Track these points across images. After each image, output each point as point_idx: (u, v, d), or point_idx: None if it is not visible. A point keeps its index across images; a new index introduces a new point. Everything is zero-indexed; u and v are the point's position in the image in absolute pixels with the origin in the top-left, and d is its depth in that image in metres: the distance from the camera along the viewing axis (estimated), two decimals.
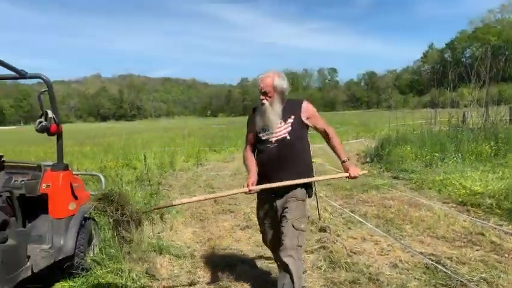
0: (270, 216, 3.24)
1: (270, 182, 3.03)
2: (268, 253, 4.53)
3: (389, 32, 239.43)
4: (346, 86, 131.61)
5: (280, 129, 3.07)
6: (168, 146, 15.51)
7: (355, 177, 3.16)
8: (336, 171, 8.92)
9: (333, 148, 3.24)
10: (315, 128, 3.22)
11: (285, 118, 3.08)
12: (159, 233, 5.17)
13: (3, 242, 3.04)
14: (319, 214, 5.73)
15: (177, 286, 3.79)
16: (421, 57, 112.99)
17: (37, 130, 3.70)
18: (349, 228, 5.35)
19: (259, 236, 5.07)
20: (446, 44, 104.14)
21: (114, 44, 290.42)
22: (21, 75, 3.58)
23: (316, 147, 5.55)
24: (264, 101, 3.05)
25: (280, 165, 3.08)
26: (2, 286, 2.93)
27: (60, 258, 3.66)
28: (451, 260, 4.09)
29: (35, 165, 3.93)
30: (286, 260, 2.91)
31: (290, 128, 3.07)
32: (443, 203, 6.52)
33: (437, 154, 9.94)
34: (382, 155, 11.30)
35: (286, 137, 3.07)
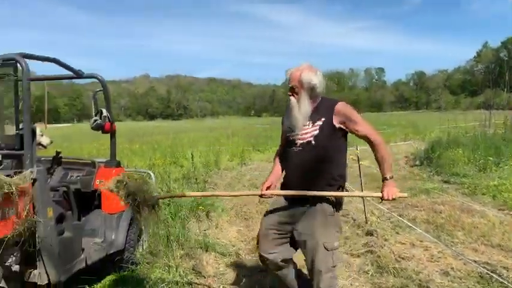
0: (281, 225, 2.83)
1: (288, 189, 2.78)
2: None
3: (439, 30, 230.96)
4: (394, 86, 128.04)
5: (306, 131, 2.72)
6: (213, 145, 15.73)
7: (388, 200, 2.70)
8: None
9: (378, 160, 2.73)
10: (356, 135, 2.74)
11: (314, 119, 2.72)
12: (205, 230, 5.26)
13: (61, 234, 3.19)
14: (365, 217, 5.61)
15: (223, 284, 3.83)
16: (474, 57, 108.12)
17: (92, 128, 3.86)
18: (397, 232, 5.20)
19: None
20: (502, 43, 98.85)
21: (162, 45, 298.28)
22: (78, 75, 3.75)
23: (361, 149, 5.42)
24: (291, 98, 2.76)
25: (302, 173, 2.74)
26: (59, 276, 3.08)
27: (112, 252, 3.80)
28: (508, 270, 3.89)
29: (90, 161, 4.10)
30: (322, 285, 2.66)
31: (317, 132, 2.70)
32: (499, 209, 6.20)
33: (491, 158, 9.47)
34: (432, 158, 10.90)
35: (311, 141, 2.71)
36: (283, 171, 2.93)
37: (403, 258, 4.27)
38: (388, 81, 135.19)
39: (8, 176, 2.74)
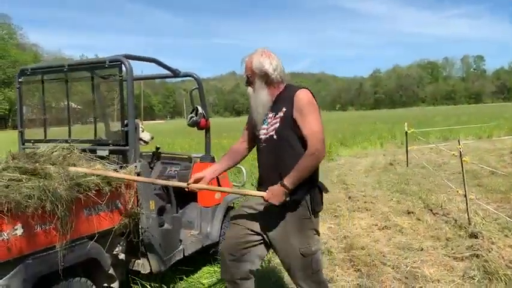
0: (251, 235, 2.54)
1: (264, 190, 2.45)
2: (413, 255, 4.26)
3: None
4: (495, 75, 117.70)
5: (269, 124, 2.45)
6: None
7: (266, 201, 2.36)
8: (492, 171, 8.00)
9: (295, 166, 2.30)
10: (301, 132, 2.34)
11: (276, 110, 2.43)
12: None
13: (161, 226, 3.35)
14: (468, 218, 5.17)
15: None
16: None
17: (188, 124, 3.99)
18: (506, 235, 4.72)
19: (401, 238, 4.83)
20: None
21: (247, 43, 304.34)
22: (176, 74, 3.90)
23: (463, 143, 4.96)
24: (248, 88, 2.50)
25: (270, 172, 2.46)
26: (160, 266, 3.23)
27: (207, 244, 3.91)
28: None
29: (186, 156, 4.25)
30: None
31: (278, 124, 2.40)
32: None
33: None
34: None
35: (273, 135, 2.42)
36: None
37: None
38: (488, 70, 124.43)
39: (114, 170, 2.92)
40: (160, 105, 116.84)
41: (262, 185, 2.56)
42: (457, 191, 5.90)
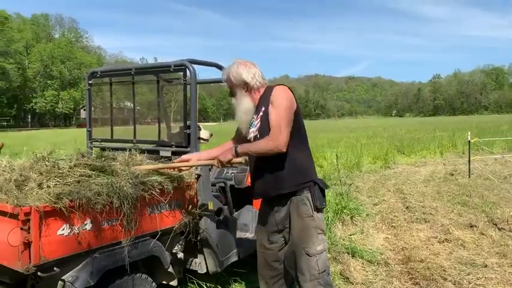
0: (268, 234, 2.67)
1: (258, 197, 2.71)
2: (477, 272, 4.03)
3: None
4: None
5: (254, 126, 2.55)
6: (354, 147, 15.33)
7: (221, 164, 2.53)
8: None
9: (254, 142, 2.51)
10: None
11: (257, 112, 2.54)
12: (350, 235, 5.11)
13: (219, 227, 3.39)
14: None
15: None
16: None
17: None
18: None
19: (463, 252, 4.59)
20: None
21: (301, 45, 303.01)
22: None
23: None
24: (232, 99, 2.63)
25: (260, 175, 2.57)
26: (216, 267, 3.27)
27: None
28: None
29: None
30: None
31: (260, 124, 2.51)
32: None
33: None
34: None
35: (257, 136, 2.51)
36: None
37: None
38: None
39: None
40: (214, 107, 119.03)
41: (257, 193, 2.67)
42: None
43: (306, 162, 2.55)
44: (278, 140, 2.35)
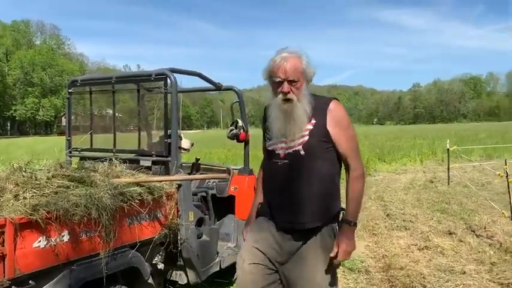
0: (261, 259, 2.08)
1: (273, 223, 2.08)
2: (455, 278, 4.08)
3: None
4: None
5: (296, 139, 2.01)
6: None
7: (337, 261, 2.00)
8: None
9: (348, 195, 2.02)
10: (336, 149, 2.02)
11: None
12: None
13: (200, 237, 3.37)
14: None
15: None
16: None
17: (228, 137, 4.02)
18: None
19: (442, 259, 4.65)
20: None
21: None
22: (218, 87, 3.96)
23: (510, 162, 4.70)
24: (290, 95, 1.98)
25: (285, 197, 2.03)
26: (197, 278, 3.26)
27: None
28: None
29: (225, 168, 4.29)
30: None
31: (307, 138, 2.00)
32: None
33: None
34: None
35: (299, 151, 2.00)
36: (264, 194, 2.19)
37: None
38: None
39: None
40: (197, 115, 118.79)
41: (267, 212, 2.14)
42: (503, 213, 5.65)
43: (339, 189, 2.13)
44: (362, 169, 2.05)
